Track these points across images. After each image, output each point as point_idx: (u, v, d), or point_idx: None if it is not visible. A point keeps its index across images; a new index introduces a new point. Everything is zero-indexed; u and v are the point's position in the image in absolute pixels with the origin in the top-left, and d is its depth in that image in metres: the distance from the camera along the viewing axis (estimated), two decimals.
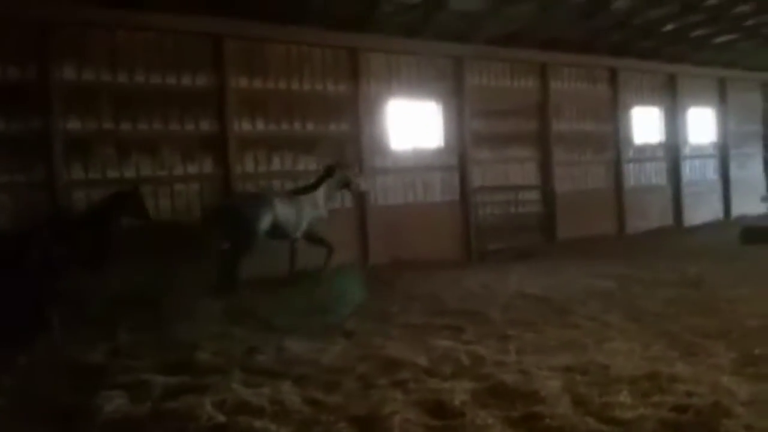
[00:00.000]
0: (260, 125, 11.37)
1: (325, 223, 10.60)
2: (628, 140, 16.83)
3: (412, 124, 13.38)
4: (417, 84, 13.27)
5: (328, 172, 10.75)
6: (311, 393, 5.02)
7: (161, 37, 10.42)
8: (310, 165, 11.84)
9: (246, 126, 11.20)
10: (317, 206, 10.41)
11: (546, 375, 5.11)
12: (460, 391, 4.75)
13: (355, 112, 12.36)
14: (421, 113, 13.51)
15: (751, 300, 7.59)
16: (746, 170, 19.71)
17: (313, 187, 10.51)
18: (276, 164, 11.54)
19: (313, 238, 10.38)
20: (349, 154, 12.23)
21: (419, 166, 13.29)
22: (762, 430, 3.72)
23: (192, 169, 10.70)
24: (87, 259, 8.60)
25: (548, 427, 3.99)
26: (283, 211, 9.70)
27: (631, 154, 16.85)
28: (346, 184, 11.07)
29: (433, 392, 4.80)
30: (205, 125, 10.80)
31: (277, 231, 9.71)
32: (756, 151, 20.30)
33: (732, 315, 6.94)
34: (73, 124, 9.70)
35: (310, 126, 11.93)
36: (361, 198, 12.15)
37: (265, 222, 9.43)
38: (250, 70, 11.25)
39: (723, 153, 19.19)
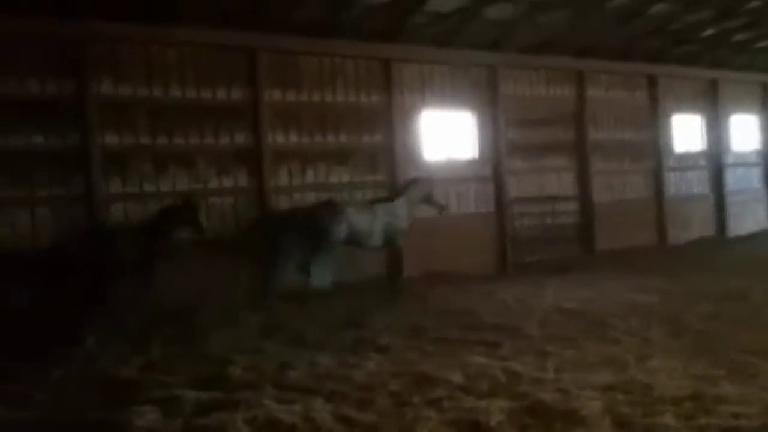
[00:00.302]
0: (294, 138, 11.39)
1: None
2: (669, 148, 16.42)
3: (446, 134, 13.27)
4: (450, 94, 13.17)
5: (407, 186, 11.40)
6: (344, 410, 4.94)
7: (196, 51, 10.53)
8: (343, 177, 11.83)
9: (280, 139, 11.23)
10: (395, 216, 10.89)
11: (586, 394, 4.94)
12: (496, 410, 4.62)
13: (389, 123, 12.30)
14: (454, 123, 13.40)
15: None
16: None
17: (390, 198, 11.16)
18: (310, 177, 11.53)
19: (391, 247, 11.00)
20: (382, 166, 12.19)
21: (453, 177, 13.14)
22: None
23: (227, 182, 10.75)
24: (135, 270, 8.78)
25: None
26: (356, 219, 10.33)
27: (671, 162, 16.44)
28: (427, 200, 11.60)
29: (469, 411, 4.68)
30: (240, 138, 10.86)
31: (353, 239, 10.33)
32: None
33: None
34: (111, 139, 9.83)
35: (343, 138, 11.91)
36: (440, 214, 12.24)
37: (340, 229, 10.07)
38: (284, 83, 11.29)
39: (767, 161, 18.59)
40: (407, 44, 12.32)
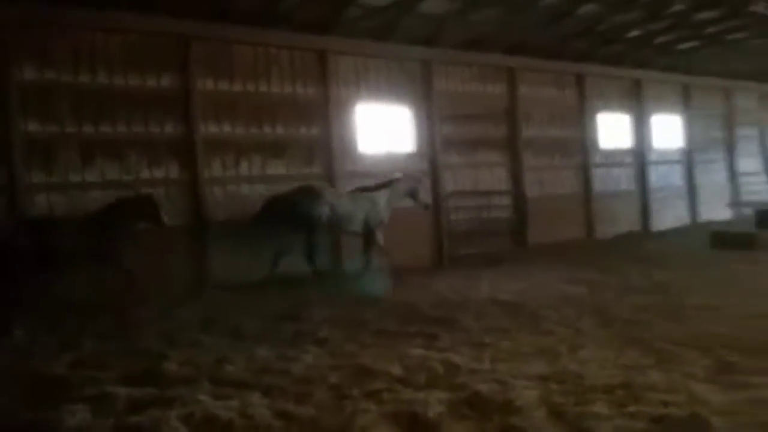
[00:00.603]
0: (227, 128, 11.15)
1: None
2: (595, 145, 17.00)
3: (384, 128, 13.31)
4: (386, 88, 13.20)
5: (392, 181, 11.63)
6: (282, 405, 4.85)
7: (125, 38, 10.16)
8: (280, 169, 11.67)
9: (213, 129, 10.98)
10: (376, 206, 11.20)
11: (521, 384, 5.03)
12: (434, 402, 4.64)
13: (325, 116, 12.22)
14: (391, 117, 13.44)
15: (722, 306, 7.64)
16: (711, 176, 20.08)
17: (373, 188, 11.40)
18: (244, 169, 11.33)
19: (367, 236, 11.20)
20: (318, 158, 12.11)
21: (391, 171, 13.17)
22: None
23: (158, 173, 10.45)
24: (78, 261, 8.52)
25: None
26: (338, 203, 10.67)
27: (598, 159, 17.02)
28: (412, 195, 11.89)
29: (408, 403, 4.68)
30: (171, 128, 10.57)
31: (335, 223, 10.67)
32: (720, 157, 20.71)
33: (703, 321, 6.96)
34: (34, 126, 9.38)
35: (279, 130, 11.76)
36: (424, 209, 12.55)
37: (322, 212, 10.39)
38: (217, 72, 11.05)
39: (688, 159, 19.52)
40: (343, 37, 12.27)
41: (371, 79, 13.05)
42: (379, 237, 11.40)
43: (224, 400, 4.93)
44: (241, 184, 11.22)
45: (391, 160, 13.22)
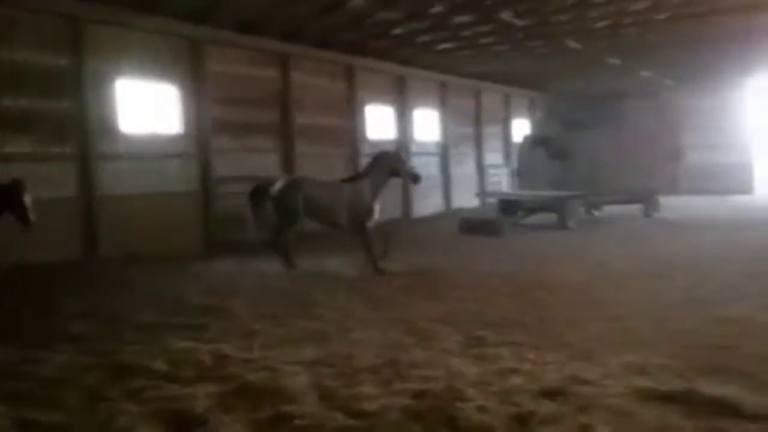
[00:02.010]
0: None
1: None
2: (364, 136, 17.70)
3: (148, 107, 12.43)
4: (152, 65, 12.34)
5: (376, 161, 10.71)
6: (26, 413, 4.29)
7: None
8: (24, 147, 10.32)
9: None
10: (361, 195, 10.22)
11: (292, 370, 5.04)
12: (203, 396, 4.45)
13: (79, 90, 11.06)
14: (158, 96, 12.61)
15: (472, 286, 8.43)
16: (462, 168, 22.09)
17: (356, 178, 10.64)
18: None
19: (358, 229, 10.19)
20: (72, 136, 10.95)
21: (156, 153, 12.40)
22: (491, 410, 4.07)
23: None
24: None
25: (297, 428, 3.90)
26: (318, 194, 9.93)
27: (366, 149, 17.73)
28: (395, 173, 10.81)
29: (173, 400, 4.43)
30: None
31: (316, 215, 10.04)
32: (470, 151, 22.87)
33: (455, 300, 7.62)
34: None
35: (24, 102, 10.37)
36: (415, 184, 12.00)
37: (296, 203, 9.71)
38: None
39: (444, 151, 21.24)
40: (102, 4, 11.19)
41: (134, 54, 12.08)
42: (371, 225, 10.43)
43: None
44: None
45: (157, 141, 12.43)
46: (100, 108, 11.41)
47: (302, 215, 9.91)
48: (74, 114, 11.03)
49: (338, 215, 10.10)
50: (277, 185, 9.99)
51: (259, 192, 10.06)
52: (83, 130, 11.10)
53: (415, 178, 11.40)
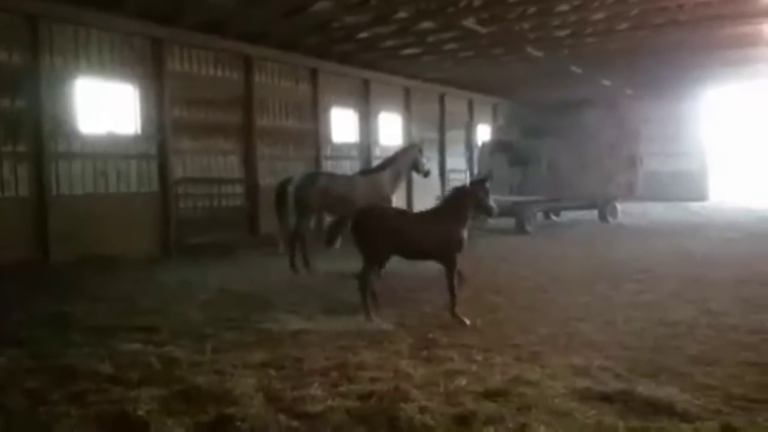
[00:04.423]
0: None
1: None
2: (327, 139, 17.70)
3: (106, 107, 12.24)
4: (110, 64, 12.16)
5: (401, 154, 10.92)
6: None
7: None
8: None
9: None
10: (379, 187, 10.28)
11: (241, 373, 5.03)
12: (147, 399, 4.40)
13: (35, 88, 10.85)
14: (116, 96, 12.42)
15: (426, 288, 8.43)
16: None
17: (377, 169, 10.80)
18: None
19: None
20: (24, 136, 10.73)
21: (113, 153, 12.22)
22: (433, 411, 4.11)
23: None
24: None
25: (239, 430, 3.89)
26: (335, 187, 10.10)
27: (329, 151, 17.75)
28: (416, 167, 10.97)
29: (116, 403, 4.37)
30: None
31: (332, 208, 10.23)
32: (434, 155, 22.96)
33: (409, 302, 7.67)
34: None
35: None
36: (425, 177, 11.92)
37: (312, 196, 9.89)
38: None
39: None
40: (62, 2, 11.01)
41: (93, 53, 11.91)
42: None
43: None
44: None
45: (115, 141, 12.25)
46: (57, 107, 11.21)
47: (318, 209, 10.24)
48: (29, 112, 10.82)
49: (356, 207, 10.15)
50: (295, 180, 10.12)
51: (281, 190, 10.18)
52: (38, 129, 10.89)
53: (427, 173, 11.69)
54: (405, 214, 7.54)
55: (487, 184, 7.16)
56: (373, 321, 6.60)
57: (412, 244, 6.80)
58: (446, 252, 6.83)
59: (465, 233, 6.93)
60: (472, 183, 7.30)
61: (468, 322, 6.57)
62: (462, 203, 6.98)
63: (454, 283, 6.78)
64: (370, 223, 6.84)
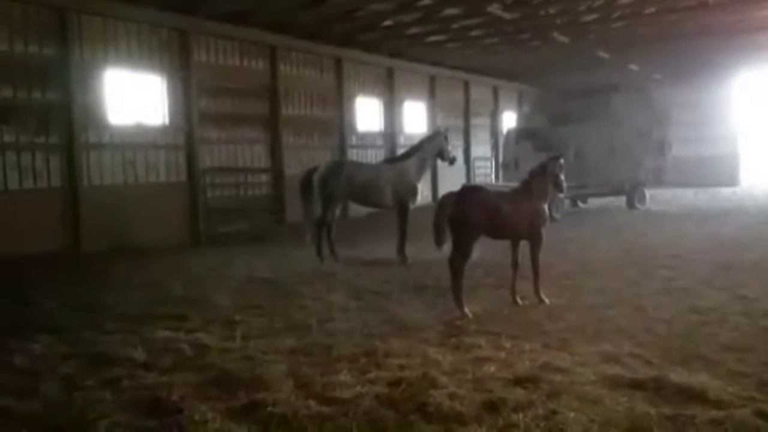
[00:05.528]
0: None
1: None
2: (352, 127, 17.71)
3: (135, 98, 12.40)
4: (139, 55, 12.30)
5: (426, 141, 10.82)
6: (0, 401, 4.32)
7: None
8: (8, 137, 10.30)
9: None
10: (405, 174, 10.27)
11: (270, 359, 5.09)
12: (179, 385, 4.49)
13: (65, 80, 11.03)
14: (144, 87, 12.57)
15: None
16: None
17: (403, 157, 10.72)
18: None
19: (399, 210, 10.20)
20: (56, 127, 10.93)
21: (142, 143, 12.38)
22: (462, 397, 4.12)
23: None
24: None
25: (270, 415, 3.94)
26: (360, 176, 10.04)
27: (354, 140, 17.76)
28: (441, 155, 10.86)
29: (149, 389, 4.46)
30: None
31: (359, 196, 10.29)
32: (459, 143, 22.86)
33: (436, 291, 7.65)
34: None
35: (7, 92, 10.34)
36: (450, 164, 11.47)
37: (338, 185, 9.88)
38: None
39: None
40: None
41: (122, 45, 12.06)
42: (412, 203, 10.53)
43: None
44: None
45: (143, 132, 12.41)
46: (87, 98, 11.38)
47: (343, 197, 10.30)
48: (60, 104, 11.00)
49: (382, 196, 10.21)
50: (320, 169, 10.16)
51: (306, 179, 10.25)
52: (69, 121, 11.07)
53: (453, 160, 11.43)
54: (502, 194, 7.28)
55: (561, 161, 7.10)
56: (465, 311, 6.40)
57: (508, 224, 6.76)
58: (536, 229, 6.88)
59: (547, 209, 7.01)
60: (551, 159, 7.07)
61: (548, 301, 6.77)
62: (545, 180, 6.98)
63: (539, 262, 6.89)
64: (473, 203, 6.64)
